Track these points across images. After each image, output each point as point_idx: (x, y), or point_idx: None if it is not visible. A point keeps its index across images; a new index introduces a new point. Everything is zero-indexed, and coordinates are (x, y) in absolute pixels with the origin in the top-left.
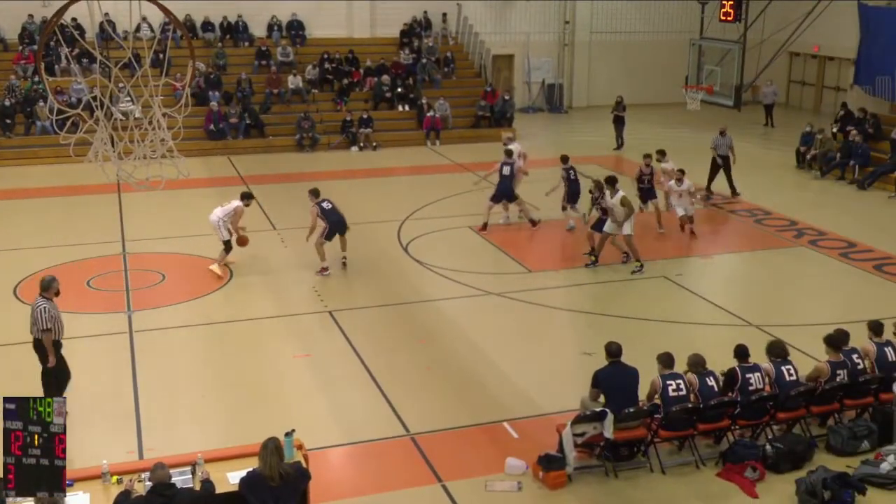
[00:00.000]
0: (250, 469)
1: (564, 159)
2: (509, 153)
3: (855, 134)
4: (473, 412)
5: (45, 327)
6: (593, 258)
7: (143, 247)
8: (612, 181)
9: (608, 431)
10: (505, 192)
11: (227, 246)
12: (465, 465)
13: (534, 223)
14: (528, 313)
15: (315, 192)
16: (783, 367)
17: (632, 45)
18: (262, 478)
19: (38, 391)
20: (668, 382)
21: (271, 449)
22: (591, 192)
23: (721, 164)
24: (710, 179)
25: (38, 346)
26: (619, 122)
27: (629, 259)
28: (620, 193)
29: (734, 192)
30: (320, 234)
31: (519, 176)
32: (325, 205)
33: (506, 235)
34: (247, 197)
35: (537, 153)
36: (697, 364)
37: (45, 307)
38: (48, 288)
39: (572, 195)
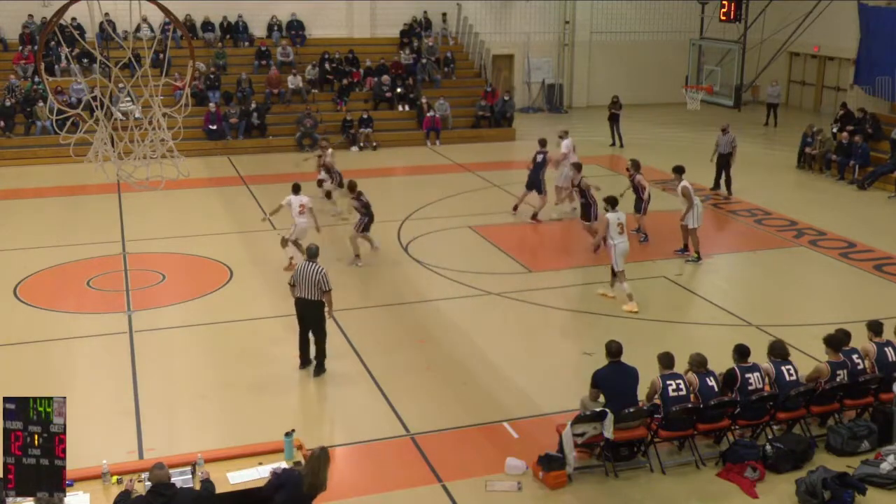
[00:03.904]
0: (287, 467)
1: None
2: (543, 142)
3: (845, 136)
4: (473, 412)
5: (327, 288)
6: (695, 254)
7: (143, 247)
8: (679, 170)
9: (608, 431)
10: (534, 181)
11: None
12: (465, 465)
13: (534, 217)
14: (528, 313)
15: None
16: (783, 368)
17: (632, 45)
18: (300, 481)
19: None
20: (668, 382)
21: (325, 459)
22: (627, 170)
23: (722, 161)
24: (717, 178)
25: (309, 305)
26: (613, 120)
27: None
28: (682, 183)
29: (728, 192)
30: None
31: (550, 165)
32: None
33: (506, 235)
34: None
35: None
36: (700, 363)
37: (325, 270)
38: (317, 254)
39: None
